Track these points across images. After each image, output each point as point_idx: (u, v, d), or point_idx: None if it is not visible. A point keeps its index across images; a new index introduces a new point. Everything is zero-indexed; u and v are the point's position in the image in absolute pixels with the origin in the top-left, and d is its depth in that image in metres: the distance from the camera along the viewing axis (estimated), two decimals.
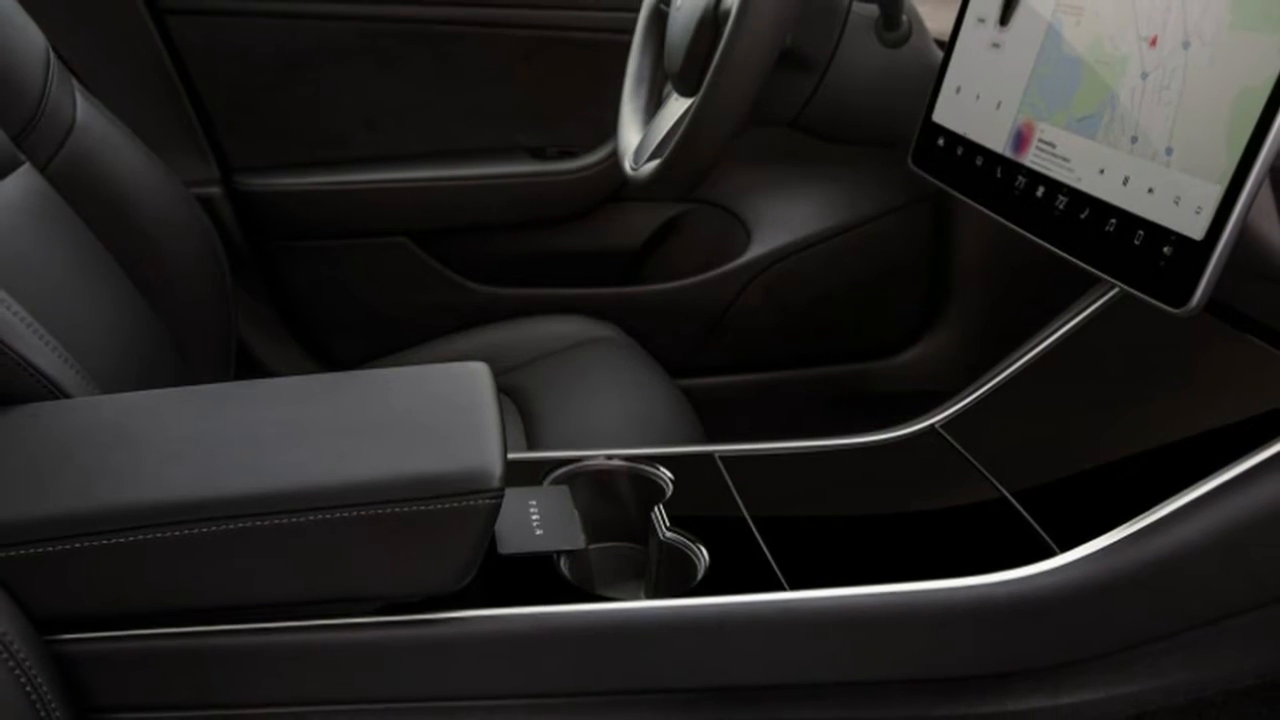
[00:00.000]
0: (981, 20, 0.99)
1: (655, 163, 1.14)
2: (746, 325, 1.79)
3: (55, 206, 1.11)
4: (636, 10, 1.33)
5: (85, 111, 1.20)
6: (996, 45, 0.97)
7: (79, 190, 1.15)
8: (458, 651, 0.81)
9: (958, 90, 1.01)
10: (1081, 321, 1.09)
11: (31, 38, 1.15)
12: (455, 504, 0.75)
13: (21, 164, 1.09)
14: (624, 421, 1.38)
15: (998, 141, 0.95)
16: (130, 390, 0.94)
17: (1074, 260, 0.85)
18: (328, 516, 0.75)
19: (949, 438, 1.07)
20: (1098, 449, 0.98)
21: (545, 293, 1.75)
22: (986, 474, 1.00)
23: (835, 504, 1.02)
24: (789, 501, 1.01)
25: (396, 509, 0.75)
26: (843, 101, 1.13)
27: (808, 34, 1.10)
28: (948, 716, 0.88)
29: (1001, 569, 0.85)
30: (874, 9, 1.11)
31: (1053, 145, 0.88)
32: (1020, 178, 0.91)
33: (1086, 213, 0.84)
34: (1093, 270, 0.83)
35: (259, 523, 0.74)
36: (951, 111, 1.02)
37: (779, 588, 0.85)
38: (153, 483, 0.76)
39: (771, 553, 0.90)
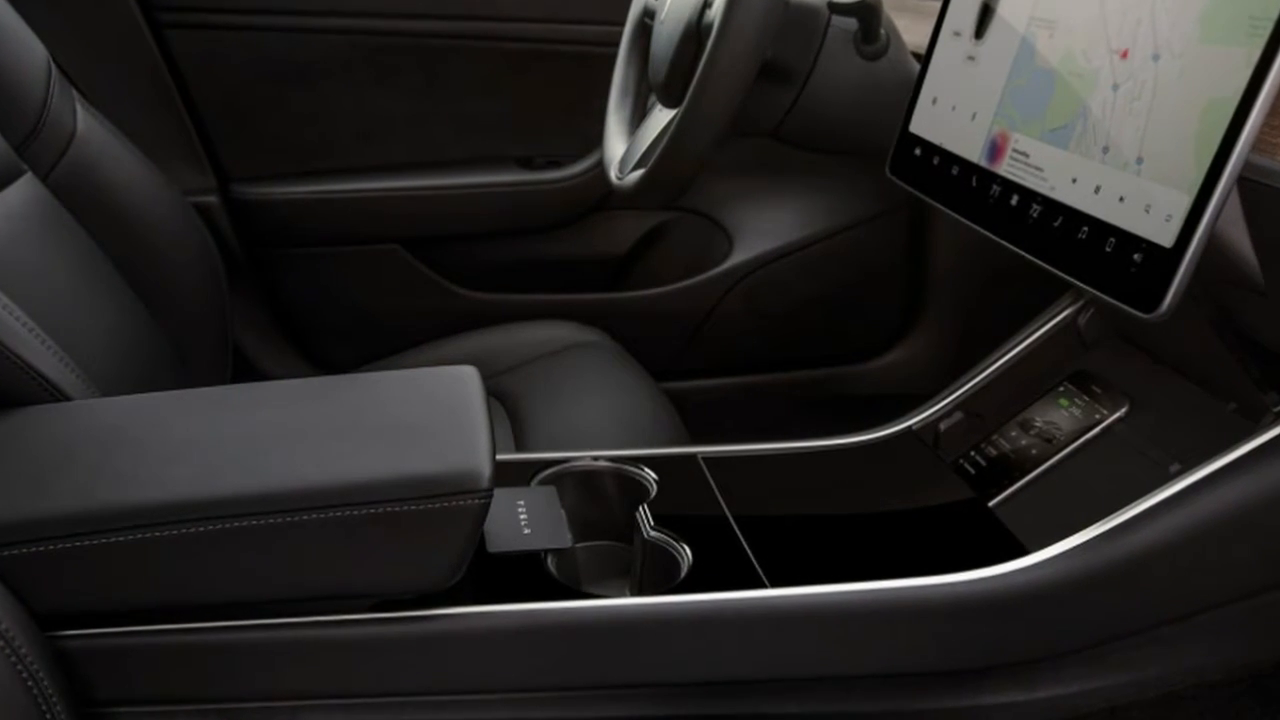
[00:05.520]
0: (957, 33, 0.99)
1: (640, 172, 1.14)
2: (728, 330, 1.79)
3: (56, 215, 1.10)
4: (622, 24, 1.33)
5: (85, 122, 1.19)
6: (972, 58, 0.97)
7: (79, 199, 1.14)
8: (448, 647, 0.81)
9: (934, 101, 1.01)
10: (1054, 327, 1.09)
11: (33, 49, 1.15)
12: (446, 504, 0.75)
13: (24, 173, 1.08)
14: (610, 423, 1.37)
15: (973, 151, 0.95)
16: (130, 393, 0.93)
17: (1047, 267, 0.85)
18: (322, 516, 0.74)
19: (925, 440, 1.07)
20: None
21: (533, 298, 1.75)
22: (960, 476, 1.00)
23: (814, 504, 1.01)
24: (770, 501, 1.00)
25: (389, 508, 0.74)
26: (822, 112, 1.13)
27: (788, 47, 1.10)
28: (925, 710, 0.88)
29: (976, 567, 0.85)
30: (853, 22, 1.11)
31: (1026, 155, 0.88)
32: (995, 186, 0.91)
33: (1059, 221, 0.84)
34: (1065, 276, 0.83)
35: (256, 522, 0.74)
36: (928, 122, 1.01)
37: (760, 585, 0.85)
38: (152, 483, 0.75)
39: (753, 551, 0.90)
